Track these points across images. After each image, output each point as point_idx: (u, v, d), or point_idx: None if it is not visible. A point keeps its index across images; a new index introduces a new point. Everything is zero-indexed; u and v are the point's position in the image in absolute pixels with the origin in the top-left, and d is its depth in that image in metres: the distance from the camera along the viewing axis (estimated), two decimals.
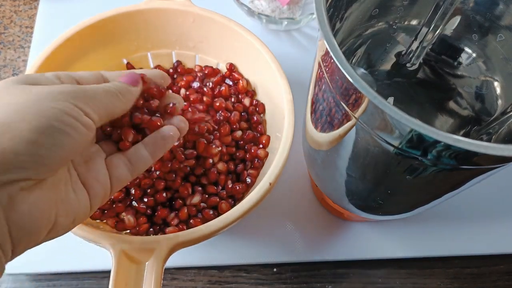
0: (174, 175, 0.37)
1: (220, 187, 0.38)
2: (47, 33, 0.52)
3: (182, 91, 0.43)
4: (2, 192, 0.19)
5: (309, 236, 0.42)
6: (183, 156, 0.36)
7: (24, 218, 0.20)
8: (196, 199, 0.37)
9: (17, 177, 0.20)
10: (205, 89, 0.43)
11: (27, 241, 0.21)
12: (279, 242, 0.41)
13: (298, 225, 0.42)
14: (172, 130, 0.30)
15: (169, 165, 0.36)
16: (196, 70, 0.45)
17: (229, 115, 0.41)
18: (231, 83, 0.44)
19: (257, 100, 0.43)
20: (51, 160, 0.21)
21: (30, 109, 0.21)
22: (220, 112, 0.40)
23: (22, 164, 0.20)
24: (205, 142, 0.38)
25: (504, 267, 0.43)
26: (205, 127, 0.38)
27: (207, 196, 0.38)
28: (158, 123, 0.30)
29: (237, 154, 0.40)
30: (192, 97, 0.42)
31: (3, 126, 0.20)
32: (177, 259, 0.39)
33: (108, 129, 0.29)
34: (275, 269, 0.41)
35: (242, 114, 0.42)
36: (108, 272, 0.28)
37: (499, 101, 0.34)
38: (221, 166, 0.38)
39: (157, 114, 0.30)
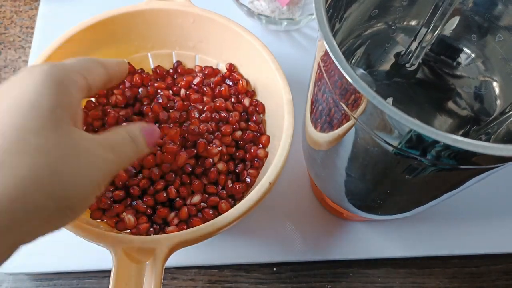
0: (174, 175, 0.37)
1: (220, 187, 0.39)
2: (48, 34, 0.52)
3: (182, 91, 0.43)
4: None
5: (309, 236, 0.42)
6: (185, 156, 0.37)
7: None
8: (196, 199, 0.37)
9: None
10: (205, 89, 0.43)
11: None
12: (278, 242, 0.41)
13: (298, 224, 0.42)
14: None
15: (169, 165, 0.36)
16: (196, 70, 0.45)
17: (229, 115, 0.41)
18: (231, 83, 0.44)
19: (257, 100, 0.43)
20: None
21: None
22: (219, 112, 0.41)
23: None
24: (205, 142, 0.38)
25: (503, 266, 0.43)
26: (205, 127, 0.38)
27: (207, 196, 0.38)
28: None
29: (237, 154, 0.40)
30: (192, 97, 0.42)
31: None
32: (177, 259, 0.39)
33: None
34: (274, 269, 0.41)
35: (242, 114, 0.42)
36: (109, 271, 0.28)
37: (498, 101, 0.34)
38: (221, 166, 0.38)
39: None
